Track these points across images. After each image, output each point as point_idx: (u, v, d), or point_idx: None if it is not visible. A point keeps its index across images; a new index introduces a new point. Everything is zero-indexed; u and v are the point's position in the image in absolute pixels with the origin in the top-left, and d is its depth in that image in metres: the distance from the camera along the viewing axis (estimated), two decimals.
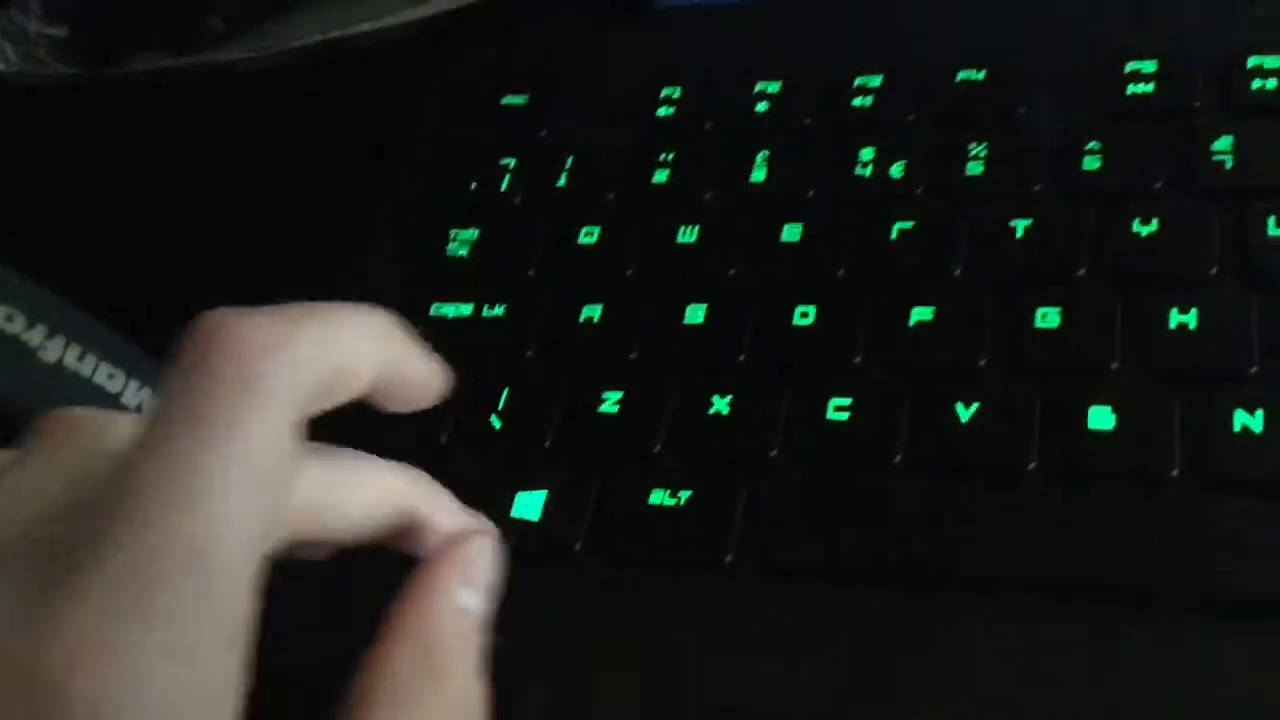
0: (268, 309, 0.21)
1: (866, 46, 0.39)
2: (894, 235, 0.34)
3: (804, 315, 0.33)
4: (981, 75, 0.37)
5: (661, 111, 0.39)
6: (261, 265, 0.40)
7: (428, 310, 0.36)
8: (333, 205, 0.41)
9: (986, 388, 0.30)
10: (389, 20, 0.40)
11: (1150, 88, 0.35)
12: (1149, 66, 0.35)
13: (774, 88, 0.38)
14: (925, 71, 0.37)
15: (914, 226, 0.34)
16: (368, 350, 0.22)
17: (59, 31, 0.43)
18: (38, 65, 0.42)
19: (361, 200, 0.40)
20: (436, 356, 0.24)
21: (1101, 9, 0.38)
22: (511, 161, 0.39)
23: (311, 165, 0.43)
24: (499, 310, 0.36)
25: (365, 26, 0.40)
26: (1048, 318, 0.31)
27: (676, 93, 0.39)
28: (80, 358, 0.34)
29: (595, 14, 0.43)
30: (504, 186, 0.39)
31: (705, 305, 0.34)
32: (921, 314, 0.32)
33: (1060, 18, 0.38)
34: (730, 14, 0.41)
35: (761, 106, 0.38)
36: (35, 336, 0.33)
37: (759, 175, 0.37)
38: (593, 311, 0.35)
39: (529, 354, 0.35)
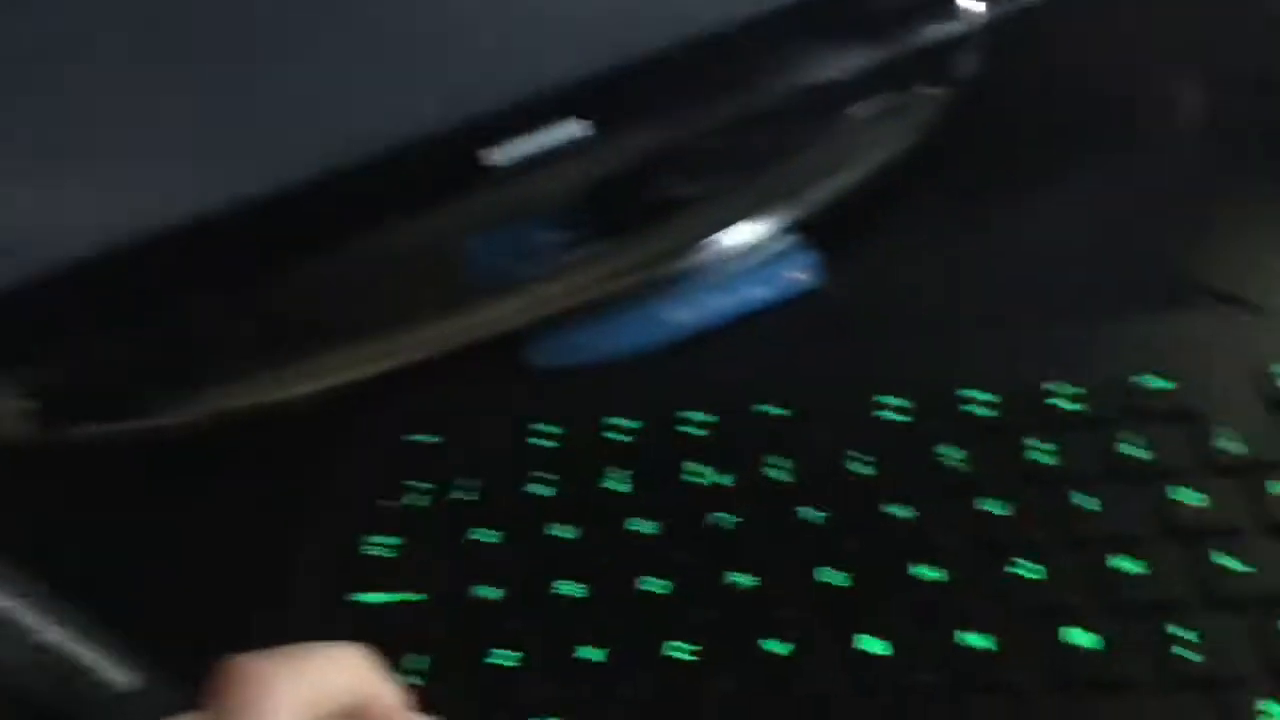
0: (270, 652, 0.28)
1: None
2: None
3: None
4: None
5: (533, 441, 0.48)
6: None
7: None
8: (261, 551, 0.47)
9: None
10: (305, 388, 0.51)
11: None
12: None
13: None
14: None
15: None
16: (344, 680, 0.30)
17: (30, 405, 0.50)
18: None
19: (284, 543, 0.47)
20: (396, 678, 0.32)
21: None
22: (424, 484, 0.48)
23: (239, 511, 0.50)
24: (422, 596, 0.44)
25: (278, 395, 0.51)
26: None
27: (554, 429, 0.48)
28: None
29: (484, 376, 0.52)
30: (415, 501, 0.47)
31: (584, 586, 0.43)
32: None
33: None
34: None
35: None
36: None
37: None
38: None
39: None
